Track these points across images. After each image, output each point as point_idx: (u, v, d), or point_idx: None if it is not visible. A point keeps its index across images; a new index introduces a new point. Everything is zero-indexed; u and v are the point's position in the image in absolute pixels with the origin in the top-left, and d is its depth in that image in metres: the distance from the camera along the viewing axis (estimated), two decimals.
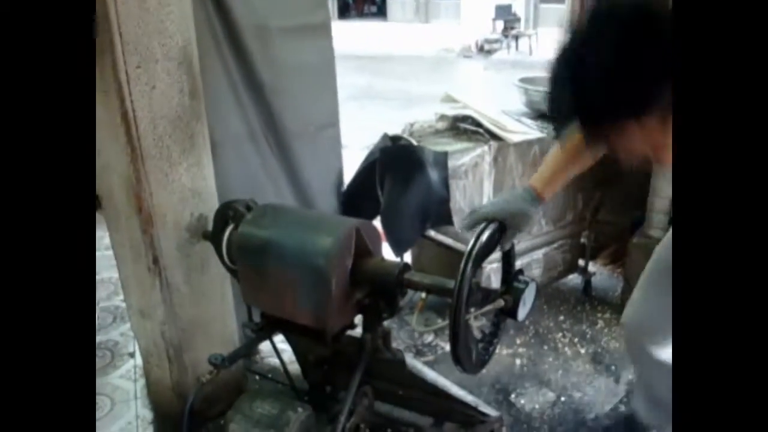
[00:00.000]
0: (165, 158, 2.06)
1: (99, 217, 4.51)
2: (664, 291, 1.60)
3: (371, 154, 2.81)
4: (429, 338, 3.05)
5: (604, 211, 3.52)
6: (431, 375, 2.05)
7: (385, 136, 2.82)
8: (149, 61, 1.95)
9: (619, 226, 3.58)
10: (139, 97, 1.95)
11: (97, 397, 2.73)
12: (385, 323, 1.94)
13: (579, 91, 1.08)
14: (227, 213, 1.98)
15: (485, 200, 2.87)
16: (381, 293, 1.80)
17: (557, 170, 1.68)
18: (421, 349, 3.00)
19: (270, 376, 2.53)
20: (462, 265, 1.53)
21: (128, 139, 1.97)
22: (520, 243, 3.04)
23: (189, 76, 2.08)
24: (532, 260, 3.17)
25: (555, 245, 3.28)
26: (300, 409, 1.85)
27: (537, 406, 2.61)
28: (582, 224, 3.39)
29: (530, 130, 3.02)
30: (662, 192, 3.04)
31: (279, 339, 2.18)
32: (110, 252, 4.06)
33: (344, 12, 23.06)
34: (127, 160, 2.00)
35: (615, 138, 1.15)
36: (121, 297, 3.53)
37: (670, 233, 1.92)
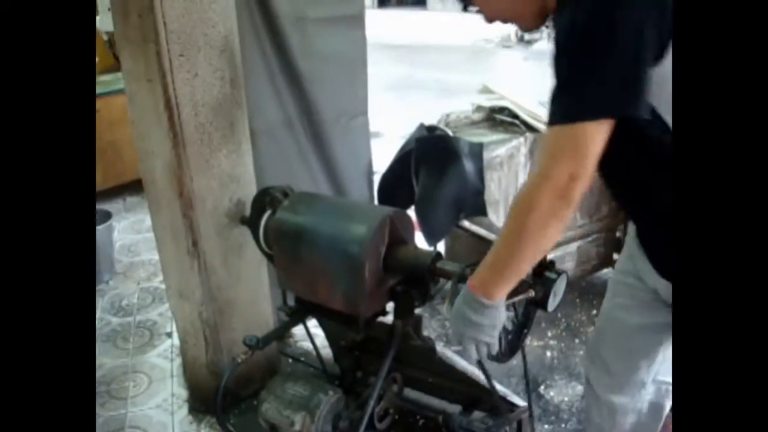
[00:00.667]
0: (206, 144, 2.12)
1: (140, 201, 4.65)
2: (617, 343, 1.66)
3: (407, 143, 2.84)
4: None
5: None
6: (461, 363, 2.08)
7: (421, 126, 2.85)
8: (192, 49, 2.01)
9: None
10: (181, 84, 2.01)
11: (135, 375, 2.83)
12: (417, 311, 1.97)
13: None
14: (264, 199, 2.03)
15: None
16: (413, 281, 1.83)
17: None
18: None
19: (302, 359, 2.58)
20: None
21: (171, 126, 2.03)
22: None
23: (230, 64, 2.13)
24: (565, 253, 3.17)
25: (589, 238, 3.27)
26: (331, 392, 1.89)
27: (566, 399, 2.62)
28: (617, 218, 3.37)
29: None
30: None
31: (312, 324, 2.23)
32: (151, 234, 4.19)
33: (384, 1, 23.03)
34: (169, 145, 2.06)
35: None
36: (160, 278, 3.63)
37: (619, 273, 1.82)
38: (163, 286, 3.56)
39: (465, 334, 1.46)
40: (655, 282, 1.57)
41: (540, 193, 1.17)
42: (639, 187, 1.43)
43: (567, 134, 1.13)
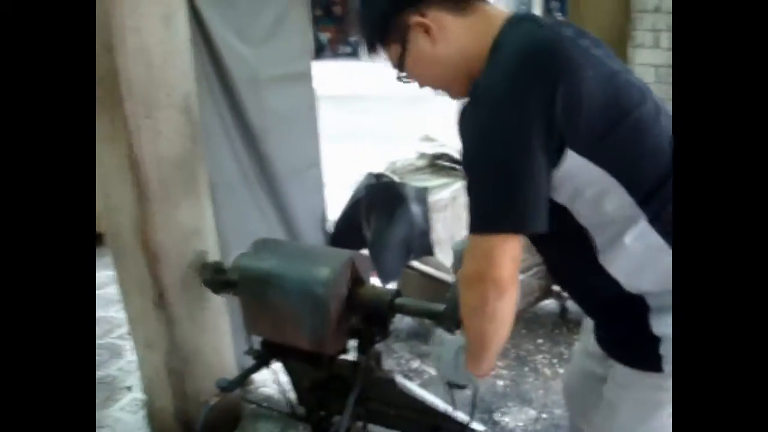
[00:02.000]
0: (169, 199, 2.23)
1: (97, 258, 4.64)
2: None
3: (357, 191, 3.01)
4: (415, 364, 3.20)
5: None
6: (420, 392, 2.21)
7: (370, 175, 3.02)
8: (156, 109, 2.14)
9: None
10: (146, 143, 2.13)
11: (100, 430, 2.85)
12: (376, 347, 2.11)
13: (355, 22, 1.50)
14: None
15: (464, 232, 3.06)
16: (374, 318, 1.97)
17: None
18: (408, 375, 3.15)
19: (265, 404, 2.67)
20: None
21: (136, 182, 2.14)
22: None
23: (190, 122, 2.26)
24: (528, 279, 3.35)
25: (531, 272, 3.46)
26: (301, 428, 2.00)
27: (520, 424, 2.78)
28: None
29: None
30: None
31: (277, 368, 2.33)
32: (104, 291, 4.22)
33: (319, 52, 23.45)
34: (134, 201, 2.17)
35: (390, 57, 1.44)
36: (116, 334, 3.67)
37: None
38: (119, 342, 3.60)
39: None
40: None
41: (468, 295, 1.31)
42: (564, 273, 1.57)
43: (478, 243, 1.25)
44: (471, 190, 1.28)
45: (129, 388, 3.14)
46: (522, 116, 1.17)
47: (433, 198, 2.91)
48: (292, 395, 2.55)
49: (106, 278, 4.34)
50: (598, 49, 1.30)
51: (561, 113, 1.15)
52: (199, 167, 2.34)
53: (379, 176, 3.00)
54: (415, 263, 3.19)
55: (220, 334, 2.53)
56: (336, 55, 23.97)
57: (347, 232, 3.01)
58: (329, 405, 2.35)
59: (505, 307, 1.28)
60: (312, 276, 1.88)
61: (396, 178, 2.96)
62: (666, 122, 1.28)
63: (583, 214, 1.30)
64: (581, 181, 1.24)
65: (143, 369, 2.64)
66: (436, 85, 1.47)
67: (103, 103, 2.11)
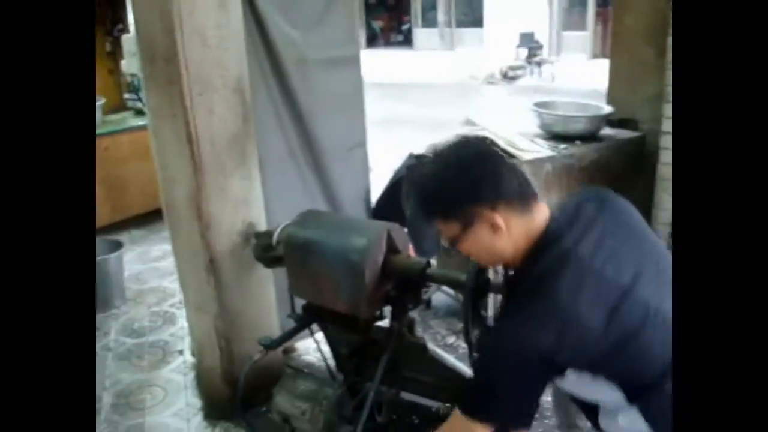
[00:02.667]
0: (221, 172, 2.40)
1: (145, 233, 4.89)
2: None
3: (398, 172, 3.13)
4: (451, 339, 3.32)
5: None
6: (450, 360, 2.33)
7: (411, 155, 3.14)
8: (209, 89, 2.30)
9: None
10: (200, 120, 2.29)
11: (151, 388, 3.06)
12: (410, 315, 2.24)
13: (415, 188, 1.57)
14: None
15: None
16: (407, 286, 2.10)
17: None
18: (444, 349, 3.27)
19: (306, 370, 2.83)
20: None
21: (191, 156, 2.31)
22: None
23: (242, 102, 2.42)
24: None
25: None
26: (336, 386, 2.15)
27: (548, 398, 2.86)
28: None
29: (542, 149, 3.31)
30: (664, 205, 3.31)
31: (319, 338, 2.49)
32: (157, 264, 4.45)
33: (372, 41, 23.60)
34: (190, 174, 2.34)
35: (443, 232, 1.53)
36: (169, 303, 3.89)
37: None
38: (172, 310, 3.81)
39: None
40: None
41: None
42: None
43: (465, 425, 1.46)
44: (477, 373, 1.55)
45: (180, 352, 3.35)
46: (527, 363, 1.36)
47: None
48: (331, 363, 2.71)
49: (162, 252, 4.61)
50: (613, 239, 1.44)
51: (562, 357, 1.35)
52: (249, 144, 2.50)
53: (419, 157, 3.12)
54: None
55: (265, 298, 2.70)
56: (388, 43, 24.07)
57: (388, 209, 3.14)
58: (365, 371, 2.50)
59: None
60: (350, 244, 2.02)
61: None
62: (663, 327, 1.38)
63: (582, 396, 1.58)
64: (579, 383, 1.48)
65: (194, 332, 2.83)
66: (478, 259, 1.63)
67: (162, 81, 2.29)
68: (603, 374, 1.43)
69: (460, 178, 1.44)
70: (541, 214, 1.49)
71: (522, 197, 1.45)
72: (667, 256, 1.51)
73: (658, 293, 1.40)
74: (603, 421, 1.58)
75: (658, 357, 1.38)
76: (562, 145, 3.50)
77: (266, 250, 2.39)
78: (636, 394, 1.45)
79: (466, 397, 1.52)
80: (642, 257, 1.45)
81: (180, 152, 2.33)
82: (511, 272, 1.63)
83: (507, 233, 1.45)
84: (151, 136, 2.50)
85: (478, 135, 1.69)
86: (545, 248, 1.43)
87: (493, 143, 1.54)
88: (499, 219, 1.43)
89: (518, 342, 1.36)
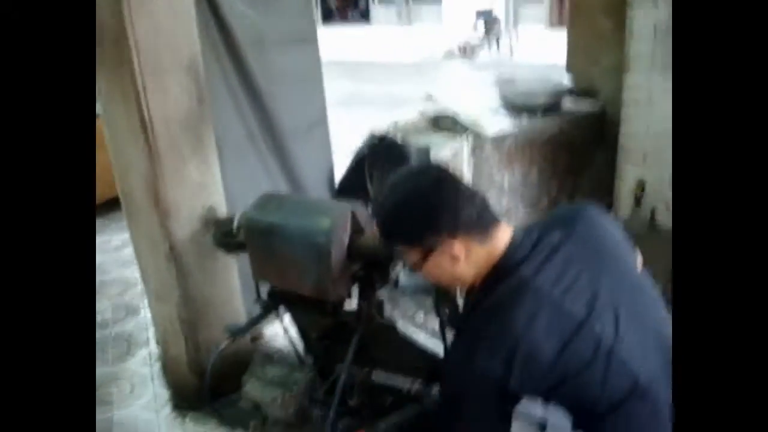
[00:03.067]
0: (178, 157, 2.32)
1: (105, 222, 4.76)
2: None
3: (360, 151, 3.09)
4: (420, 317, 3.31)
5: (578, 196, 3.80)
6: (420, 339, 2.32)
7: (372, 135, 3.10)
8: (162, 71, 2.22)
9: None
10: (154, 103, 2.21)
11: (118, 381, 2.99)
12: (378, 296, 2.21)
13: (378, 216, 1.56)
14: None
15: None
16: (374, 265, 2.06)
17: None
18: (414, 327, 3.26)
19: (275, 356, 2.79)
20: None
21: (146, 141, 2.23)
22: None
23: (196, 83, 2.34)
24: None
25: None
26: (307, 371, 2.12)
27: None
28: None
29: (505, 124, 3.30)
30: (626, 175, 3.33)
31: (287, 323, 2.44)
32: (118, 253, 4.35)
33: (328, 17, 23.31)
34: (145, 159, 2.26)
35: (406, 257, 1.53)
36: (131, 293, 3.81)
37: None
38: (135, 301, 3.73)
39: None
40: None
41: None
42: None
43: None
44: (444, 409, 1.54)
45: (145, 343, 3.28)
46: (482, 393, 1.36)
47: (434, 156, 2.98)
48: (300, 347, 2.67)
49: (122, 241, 4.50)
50: (576, 268, 1.41)
51: (514, 385, 1.33)
52: (206, 127, 2.43)
53: (381, 137, 3.08)
54: None
55: (230, 285, 2.64)
56: (345, 19, 23.82)
57: (351, 189, 3.10)
58: (335, 353, 2.46)
59: None
60: (313, 226, 1.98)
61: (398, 138, 3.04)
62: (611, 362, 1.37)
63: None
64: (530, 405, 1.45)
65: (157, 321, 2.77)
66: (439, 284, 1.62)
67: (111, 64, 2.20)
68: (554, 401, 1.42)
69: (420, 210, 1.43)
70: (502, 238, 1.46)
71: (481, 225, 1.44)
72: (638, 283, 1.50)
73: (614, 330, 1.38)
74: None
75: (605, 392, 1.38)
76: (524, 119, 3.49)
77: (227, 236, 2.33)
78: (583, 423, 1.44)
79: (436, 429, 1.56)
80: (606, 289, 1.42)
81: (134, 137, 2.25)
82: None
83: (467, 260, 1.44)
84: (104, 122, 2.40)
85: (437, 164, 1.68)
86: (503, 276, 1.42)
87: (448, 172, 1.49)
88: (459, 247, 1.42)
89: (472, 372, 1.35)
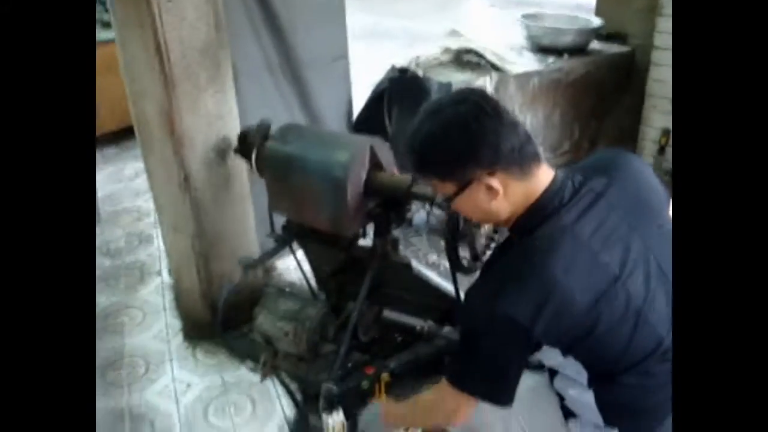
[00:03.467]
0: (193, 85, 2.26)
1: (118, 151, 4.75)
2: None
3: (380, 84, 3.01)
4: (433, 257, 3.28)
5: (600, 142, 3.72)
6: (434, 279, 2.29)
7: (393, 68, 3.01)
8: None
9: None
10: (170, 29, 2.14)
11: (129, 310, 3.01)
12: (393, 233, 2.18)
13: (410, 145, 1.41)
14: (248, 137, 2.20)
15: None
16: (391, 203, 2.02)
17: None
18: (427, 267, 3.24)
19: (288, 290, 2.78)
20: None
21: (161, 68, 2.17)
22: None
23: (214, 10, 2.26)
24: None
25: None
26: (319, 306, 2.10)
27: None
28: (578, 153, 3.59)
29: (530, 63, 3.20)
30: (652, 122, 3.24)
31: (301, 257, 2.43)
32: (131, 183, 4.34)
33: None
34: (160, 87, 2.20)
35: (438, 189, 1.45)
36: (145, 223, 3.80)
37: None
38: (148, 230, 3.72)
39: None
40: None
41: (428, 417, 1.64)
42: None
43: (453, 396, 1.45)
44: (461, 337, 1.48)
45: (158, 273, 3.28)
46: (506, 330, 1.31)
47: None
48: (313, 282, 2.66)
49: (135, 170, 4.48)
50: (616, 220, 1.36)
51: (539, 330, 1.29)
52: (223, 55, 2.35)
53: (402, 70, 2.99)
54: None
55: (245, 218, 2.62)
56: None
57: (368, 125, 3.03)
58: (348, 290, 2.45)
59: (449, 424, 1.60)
60: (332, 159, 1.93)
61: (420, 72, 2.95)
62: (638, 322, 1.34)
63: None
64: (549, 353, 1.46)
65: (170, 252, 2.76)
66: (472, 218, 1.59)
67: None
68: (572, 355, 1.41)
69: (459, 140, 1.33)
70: (543, 178, 1.38)
71: (522, 160, 1.34)
72: (670, 236, 1.42)
73: (644, 289, 1.35)
74: (558, 384, 1.57)
75: (628, 351, 1.36)
76: (550, 59, 3.38)
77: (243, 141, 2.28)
78: (598, 379, 1.43)
79: (452, 366, 1.52)
80: (641, 243, 1.37)
81: (149, 64, 2.19)
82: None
83: (504, 197, 1.36)
84: (119, 49, 2.34)
85: (477, 89, 1.55)
86: (543, 218, 1.35)
87: (489, 99, 1.38)
88: (496, 182, 1.34)
89: (497, 311, 1.30)
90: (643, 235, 1.37)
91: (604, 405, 1.44)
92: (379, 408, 1.88)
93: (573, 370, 1.47)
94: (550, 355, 1.44)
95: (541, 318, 1.28)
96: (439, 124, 1.35)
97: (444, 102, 1.39)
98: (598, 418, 1.47)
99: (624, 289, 1.32)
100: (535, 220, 1.36)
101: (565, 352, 1.41)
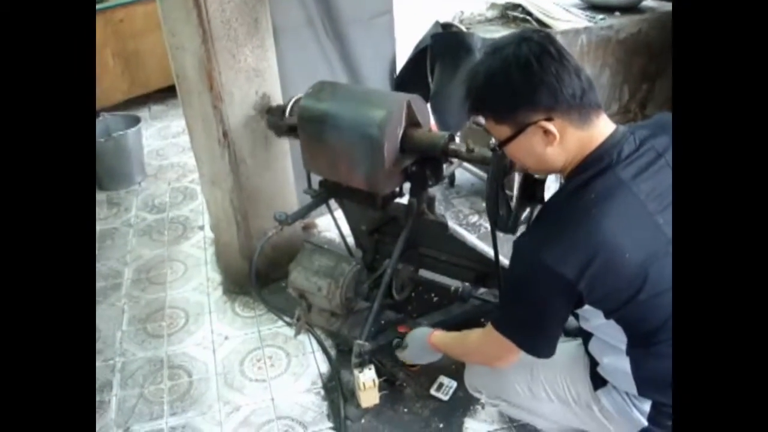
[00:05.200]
0: (232, 40, 2.25)
1: (164, 109, 4.80)
2: None
3: (422, 40, 2.94)
4: (473, 219, 3.25)
5: (650, 105, 3.60)
6: (472, 240, 2.26)
7: (437, 24, 2.94)
8: None
9: None
10: None
11: (172, 263, 3.06)
12: (430, 191, 2.15)
13: (469, 83, 1.37)
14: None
15: None
16: (428, 161, 1.99)
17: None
18: (466, 229, 3.21)
19: (325, 247, 2.79)
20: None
21: (199, 21, 2.16)
22: None
23: None
24: None
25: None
26: (354, 263, 2.10)
27: None
28: (627, 116, 3.48)
29: (578, 20, 3.09)
30: None
31: (337, 215, 2.42)
32: (177, 139, 4.39)
33: None
34: (198, 41, 2.19)
35: (492, 132, 1.42)
36: (189, 179, 3.85)
37: None
38: (192, 186, 3.77)
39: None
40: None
41: (472, 356, 1.75)
42: None
43: (500, 342, 1.47)
44: (507, 295, 1.53)
45: (200, 227, 3.33)
46: (551, 288, 1.31)
47: None
48: (350, 240, 2.67)
49: (181, 127, 4.53)
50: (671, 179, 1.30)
51: (583, 287, 1.27)
52: (262, 10, 2.33)
53: (446, 25, 2.92)
54: (480, 118, 3.15)
55: (283, 174, 2.62)
56: None
57: (410, 81, 2.98)
58: (384, 248, 2.45)
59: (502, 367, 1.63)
60: (367, 117, 1.91)
61: (463, 28, 2.88)
62: None
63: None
64: (588, 314, 1.42)
65: (210, 207, 2.78)
66: (525, 166, 1.50)
67: None
68: (614, 317, 1.37)
69: (519, 80, 1.28)
70: (603, 129, 1.33)
71: (582, 107, 1.29)
72: None
73: None
74: (593, 348, 1.53)
75: (670, 321, 1.31)
76: (600, 16, 3.26)
77: (278, 117, 2.29)
78: (637, 345, 1.39)
79: (498, 312, 1.52)
80: None
81: (187, 18, 2.18)
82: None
83: (560, 144, 1.31)
84: (158, 2, 2.33)
85: (542, 30, 1.49)
86: (600, 170, 1.30)
87: (554, 41, 1.32)
88: (553, 127, 1.29)
89: (543, 262, 1.27)
90: None
91: (639, 374, 1.41)
92: (427, 329, 1.91)
93: (610, 335, 1.43)
94: (591, 316, 1.41)
95: (587, 274, 1.25)
96: (500, 62, 1.30)
97: (507, 40, 1.33)
98: (631, 387, 1.43)
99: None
100: (591, 172, 1.31)
101: (608, 314, 1.37)
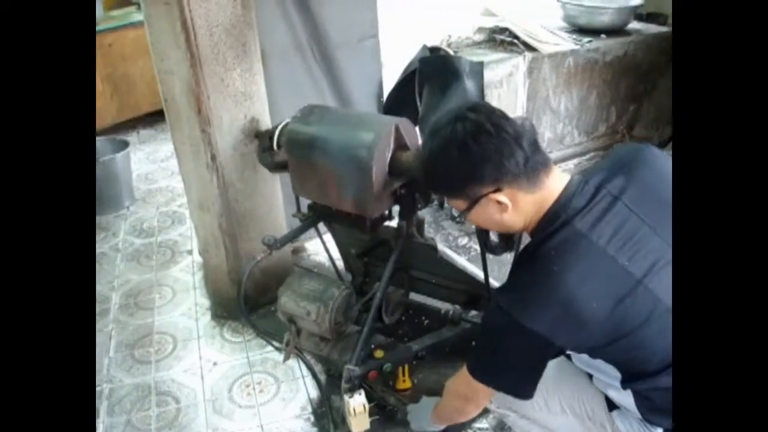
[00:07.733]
0: (221, 64, 2.25)
1: (153, 133, 4.79)
2: None
3: (411, 63, 2.96)
4: (463, 241, 3.24)
5: (638, 126, 3.62)
6: (461, 262, 2.26)
7: (424, 47, 2.96)
8: None
9: (652, 142, 3.69)
10: (196, 6, 2.13)
11: (160, 288, 3.04)
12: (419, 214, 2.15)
13: (422, 165, 1.45)
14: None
15: (519, 111, 3.02)
16: (416, 184, 1.99)
17: None
18: (456, 251, 3.21)
19: (315, 270, 2.77)
20: None
21: (188, 46, 2.16)
22: (553, 153, 3.19)
23: None
24: (566, 170, 3.32)
25: (587, 156, 3.42)
26: (343, 287, 2.09)
27: None
28: (614, 137, 3.51)
29: (565, 43, 3.12)
30: None
31: (326, 239, 2.41)
32: (166, 163, 4.38)
33: None
34: (187, 65, 2.19)
35: (452, 204, 1.46)
36: (178, 203, 3.83)
37: None
38: (181, 210, 3.75)
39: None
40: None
41: (452, 401, 1.68)
42: None
43: (473, 386, 1.48)
44: (480, 338, 1.50)
45: (189, 252, 3.31)
46: (524, 341, 1.31)
47: (489, 73, 2.84)
48: (340, 264, 2.65)
49: (170, 152, 4.51)
50: (635, 223, 1.32)
51: (559, 342, 1.31)
52: (250, 34, 2.34)
53: (433, 49, 2.94)
54: None
55: (272, 197, 2.61)
56: None
57: (399, 104, 2.99)
58: (374, 271, 2.43)
59: (472, 414, 1.66)
60: (356, 140, 1.90)
61: (451, 52, 2.90)
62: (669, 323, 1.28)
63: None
64: (577, 357, 1.49)
65: (198, 231, 2.77)
66: (489, 229, 1.58)
67: None
68: (600, 357, 1.40)
69: (459, 160, 1.33)
70: (555, 185, 1.36)
71: (528, 172, 1.33)
72: None
73: (670, 286, 1.29)
74: (597, 383, 1.56)
75: (659, 351, 1.32)
76: (587, 39, 3.29)
77: (267, 151, 2.28)
78: (632, 380, 1.41)
79: (472, 358, 1.51)
80: (664, 243, 1.32)
81: (176, 42, 2.18)
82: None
83: (514, 209, 1.36)
84: (146, 26, 2.34)
85: (479, 103, 1.56)
86: (558, 226, 1.33)
87: (491, 114, 1.35)
88: (504, 197, 1.33)
89: (517, 322, 1.29)
90: (664, 234, 1.32)
91: (642, 406, 1.42)
92: (431, 403, 1.90)
93: (606, 372, 1.45)
94: (578, 357, 1.42)
95: (561, 330, 1.27)
96: (438, 144, 1.36)
97: (443, 120, 1.38)
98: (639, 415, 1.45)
99: (648, 291, 1.28)
100: (549, 229, 1.34)
101: (593, 355, 1.40)
